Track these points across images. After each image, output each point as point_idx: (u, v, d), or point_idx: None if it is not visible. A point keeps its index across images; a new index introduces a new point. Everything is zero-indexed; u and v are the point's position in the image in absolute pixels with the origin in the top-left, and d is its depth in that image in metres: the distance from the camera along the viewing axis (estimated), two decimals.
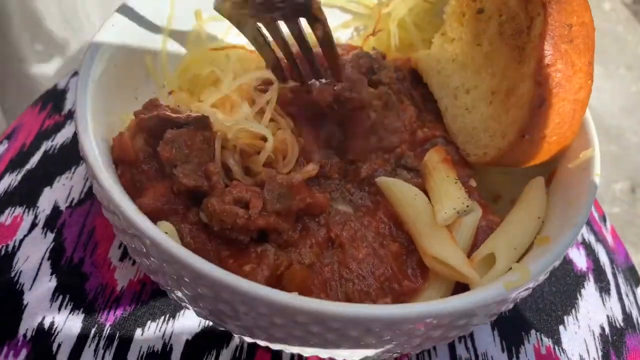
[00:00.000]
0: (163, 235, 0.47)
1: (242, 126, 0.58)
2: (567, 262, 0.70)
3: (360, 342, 0.47)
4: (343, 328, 0.45)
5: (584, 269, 0.70)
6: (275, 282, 0.53)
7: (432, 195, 0.57)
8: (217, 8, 0.59)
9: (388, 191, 0.58)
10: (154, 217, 0.53)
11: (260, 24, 0.60)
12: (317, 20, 0.57)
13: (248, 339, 0.54)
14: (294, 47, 0.62)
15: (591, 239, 0.74)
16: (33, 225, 0.67)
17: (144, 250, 0.49)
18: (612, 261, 0.73)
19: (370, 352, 0.50)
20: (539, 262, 0.50)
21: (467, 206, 0.55)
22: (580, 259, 0.71)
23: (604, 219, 0.80)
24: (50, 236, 0.66)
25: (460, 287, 0.54)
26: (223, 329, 0.56)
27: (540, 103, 0.56)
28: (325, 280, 0.54)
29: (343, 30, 0.80)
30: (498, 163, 0.62)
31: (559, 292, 0.67)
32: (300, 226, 0.57)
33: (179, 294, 0.51)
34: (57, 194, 0.70)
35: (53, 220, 0.67)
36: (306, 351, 0.52)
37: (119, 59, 0.63)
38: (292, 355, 0.62)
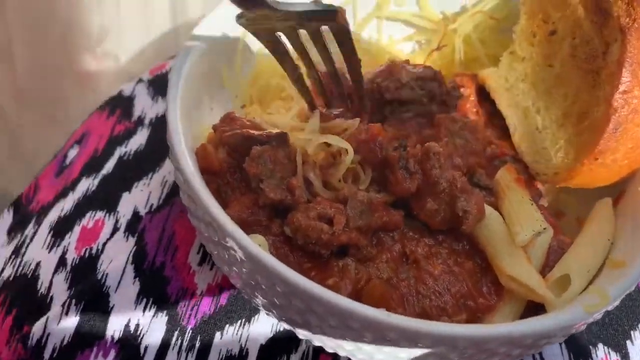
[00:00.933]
0: (259, 248, 0.49)
1: (323, 141, 0.60)
2: None
3: (444, 358, 0.49)
4: (432, 345, 0.47)
5: None
6: (355, 295, 0.55)
7: (508, 215, 0.59)
8: (239, 23, 0.59)
9: None
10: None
11: (279, 33, 0.60)
12: (342, 31, 0.58)
13: (329, 349, 0.56)
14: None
15: None
16: (115, 229, 0.70)
17: (238, 261, 0.51)
18: None
19: None
20: (616, 285, 0.52)
21: (545, 228, 0.56)
22: None
23: None
24: (132, 240, 0.68)
25: (532, 305, 0.56)
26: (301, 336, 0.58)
27: (615, 128, 0.58)
28: (402, 295, 0.56)
29: (405, 43, 0.82)
30: (567, 184, 0.63)
31: (625, 307, 0.68)
32: (375, 240, 0.59)
33: (265, 302, 0.53)
34: (136, 200, 0.72)
35: (134, 225, 0.70)
36: None
37: (201, 69, 0.65)
38: None
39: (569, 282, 0.55)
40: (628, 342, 0.66)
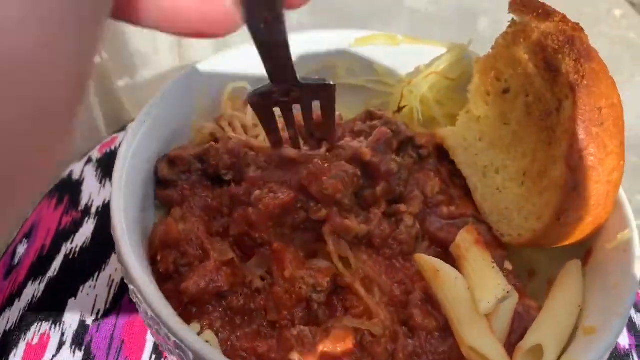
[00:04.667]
0: (208, 346, 0.46)
1: None
2: None
3: None
4: None
5: (627, 346, 0.69)
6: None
7: (470, 281, 0.57)
8: (250, 102, 0.61)
9: (426, 269, 0.58)
10: (199, 301, 0.55)
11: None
12: (330, 102, 0.62)
13: None
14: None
15: (631, 310, 0.73)
16: (61, 344, 0.66)
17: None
18: None
19: None
20: (588, 356, 0.49)
21: (508, 292, 0.54)
22: (622, 337, 0.69)
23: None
24: (80, 354, 0.65)
25: None
26: None
27: (574, 187, 0.56)
28: None
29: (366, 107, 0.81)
30: (532, 244, 0.61)
31: None
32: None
33: None
34: (81, 306, 0.69)
35: (80, 337, 0.67)
36: None
37: (146, 155, 0.64)
38: None
39: (541, 351, 0.52)
40: None
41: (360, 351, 0.55)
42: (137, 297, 0.51)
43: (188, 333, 0.47)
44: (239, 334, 0.55)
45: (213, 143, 0.67)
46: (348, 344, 0.54)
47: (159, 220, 0.63)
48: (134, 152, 0.61)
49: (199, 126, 0.70)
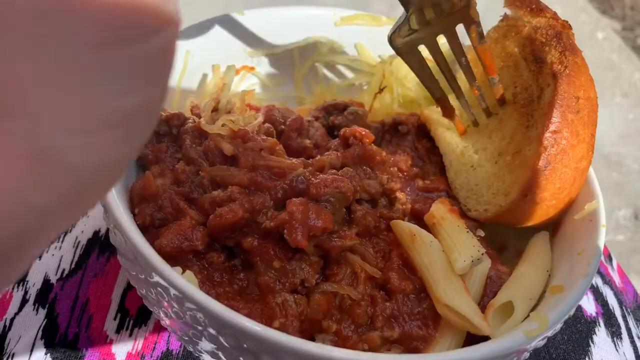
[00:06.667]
0: (191, 286, 0.46)
1: None
2: (577, 309, 0.72)
3: None
4: None
5: (594, 314, 0.73)
6: (302, 327, 0.54)
7: (446, 245, 0.59)
8: (391, 39, 0.65)
9: (403, 235, 0.60)
10: (175, 258, 0.54)
11: (422, 46, 0.66)
12: (473, 22, 0.64)
13: None
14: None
15: (599, 282, 0.77)
16: (24, 301, 0.65)
17: (167, 300, 0.48)
18: (620, 303, 0.76)
19: None
20: (555, 310, 0.52)
21: (482, 254, 0.57)
22: (589, 305, 0.73)
23: (609, 258, 0.83)
24: (42, 312, 0.64)
25: (472, 336, 0.55)
26: None
27: (545, 165, 0.59)
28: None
29: (347, 87, 0.83)
30: (497, 220, 0.65)
31: (572, 340, 0.69)
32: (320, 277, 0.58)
33: (197, 342, 0.50)
34: (46, 266, 0.68)
35: (44, 295, 0.65)
36: None
37: None
38: None
39: (512, 309, 0.55)
40: None
41: (339, 313, 0.56)
42: (119, 237, 0.51)
43: (170, 270, 0.47)
44: (219, 291, 0.55)
45: (181, 112, 0.66)
46: (327, 307, 0.55)
47: (138, 177, 0.63)
48: None
49: (189, 101, 0.70)
